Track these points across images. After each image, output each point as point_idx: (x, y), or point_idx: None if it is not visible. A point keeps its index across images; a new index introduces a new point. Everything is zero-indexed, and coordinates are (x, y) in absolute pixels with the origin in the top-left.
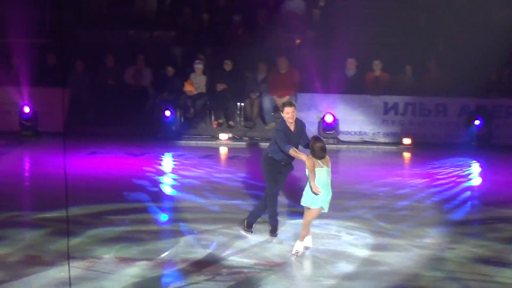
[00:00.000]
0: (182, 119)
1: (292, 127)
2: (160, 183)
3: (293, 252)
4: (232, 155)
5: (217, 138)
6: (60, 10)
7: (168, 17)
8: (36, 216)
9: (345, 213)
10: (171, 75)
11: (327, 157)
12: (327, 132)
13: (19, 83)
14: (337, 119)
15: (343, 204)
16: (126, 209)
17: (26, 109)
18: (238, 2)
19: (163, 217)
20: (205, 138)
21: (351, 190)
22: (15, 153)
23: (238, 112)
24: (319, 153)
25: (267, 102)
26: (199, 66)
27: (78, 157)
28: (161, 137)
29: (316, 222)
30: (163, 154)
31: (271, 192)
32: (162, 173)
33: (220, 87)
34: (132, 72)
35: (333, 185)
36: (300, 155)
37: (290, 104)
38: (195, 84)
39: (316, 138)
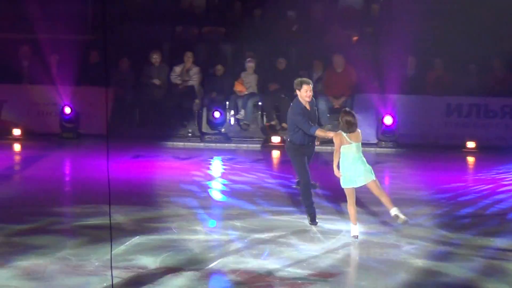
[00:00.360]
0: (232, 121)
1: (308, 106)
2: (209, 188)
3: (351, 235)
4: (285, 159)
5: (269, 141)
6: (104, 4)
7: (217, 12)
8: (78, 223)
9: None
10: (221, 74)
11: (358, 130)
12: (386, 135)
13: (60, 82)
14: (396, 121)
15: (402, 211)
16: (172, 216)
17: (67, 110)
18: None
19: (212, 224)
20: (257, 141)
21: (410, 196)
22: (55, 156)
23: None
24: (346, 127)
25: (322, 103)
26: (250, 65)
27: (122, 161)
28: (209, 140)
29: (373, 230)
30: (211, 158)
31: (303, 180)
32: (211, 178)
33: (273, 87)
34: (179, 70)
35: (391, 190)
36: (328, 133)
37: (307, 82)
38: (246, 83)
39: (346, 112)
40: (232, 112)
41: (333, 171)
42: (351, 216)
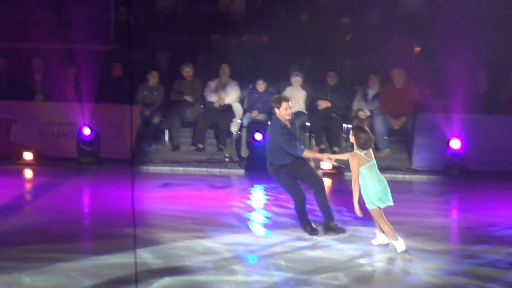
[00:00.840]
0: None
1: (288, 124)
2: (249, 221)
3: (400, 251)
4: (337, 188)
5: (319, 167)
6: (128, 9)
7: (259, 18)
8: (97, 261)
9: (473, 260)
10: (263, 90)
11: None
12: (453, 160)
13: (77, 99)
14: (465, 145)
15: (471, 249)
16: (207, 253)
17: (86, 131)
18: (345, 1)
19: (252, 261)
20: None
21: (482, 232)
22: (72, 184)
23: (344, 135)
24: (363, 143)
25: (379, 124)
26: (297, 79)
27: (149, 190)
28: (249, 166)
29: (436, 272)
30: (252, 186)
31: (298, 202)
32: (251, 209)
33: (323, 104)
34: (214, 86)
35: (460, 224)
36: (317, 155)
37: (286, 98)
38: (292, 100)
39: (359, 127)
40: None
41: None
42: (390, 234)
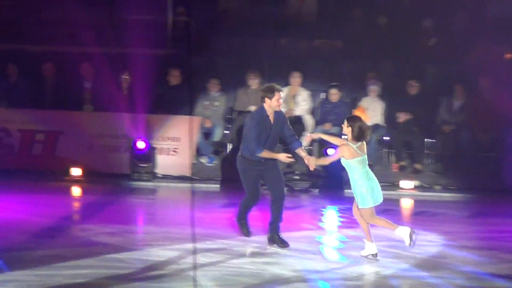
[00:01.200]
0: None
1: (272, 118)
2: (321, 245)
3: (364, 254)
4: (420, 210)
5: (399, 187)
6: (188, 11)
7: (332, 21)
8: None
9: None
10: (336, 100)
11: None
12: None
13: (131, 109)
14: None
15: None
16: (276, 281)
17: (140, 145)
18: (428, 2)
19: None
20: (382, 186)
21: None
22: (124, 203)
23: (427, 151)
24: (360, 135)
25: (465, 139)
26: (373, 88)
27: (209, 210)
28: (321, 184)
29: None
30: (324, 207)
31: (248, 201)
32: (323, 232)
33: (403, 117)
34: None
35: None
36: (275, 155)
37: (279, 88)
38: (369, 112)
39: (355, 118)
40: None
41: None
42: (388, 226)
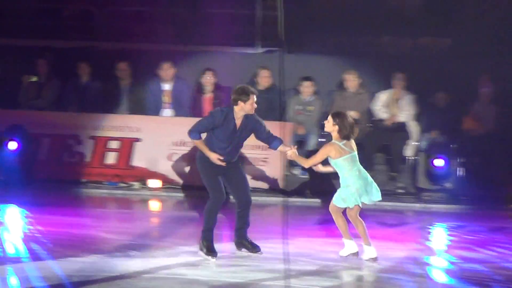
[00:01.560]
0: (461, 172)
1: (239, 122)
2: (428, 265)
3: (342, 254)
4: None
5: None
6: (278, 5)
7: (440, 16)
8: None
9: None
10: (443, 104)
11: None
12: None
13: None
14: None
15: None
16: None
17: None
18: None
19: None
20: (497, 203)
21: None
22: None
23: None
24: (348, 132)
25: None
26: (486, 91)
27: (303, 227)
28: (429, 199)
29: None
30: (432, 225)
31: (213, 202)
32: (430, 252)
33: None
34: (385, 99)
35: None
36: (208, 152)
37: (254, 91)
38: (482, 119)
39: (342, 113)
40: (461, 160)
41: None
42: (345, 233)
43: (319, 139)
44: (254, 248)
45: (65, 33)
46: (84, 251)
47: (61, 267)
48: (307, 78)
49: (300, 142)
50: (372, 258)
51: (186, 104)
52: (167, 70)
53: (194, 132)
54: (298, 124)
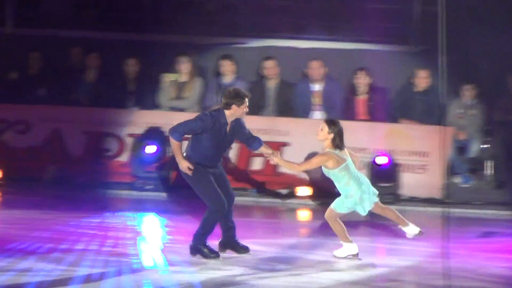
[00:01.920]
0: None
1: (228, 127)
2: None
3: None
4: None
5: None
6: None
7: None
8: None
9: None
10: None
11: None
12: None
13: (370, 117)
14: None
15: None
16: None
17: (382, 160)
18: None
19: None
20: None
21: None
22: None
23: None
24: (342, 139)
25: None
26: None
27: (464, 240)
28: None
29: None
30: None
31: (215, 209)
32: None
33: None
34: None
35: None
36: (181, 159)
37: (247, 94)
38: None
39: (334, 122)
40: None
41: None
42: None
43: (482, 146)
44: (244, 249)
45: (208, 29)
46: (226, 264)
47: (199, 280)
48: (469, 80)
49: (460, 149)
50: (416, 234)
51: (338, 106)
52: (317, 69)
53: (177, 133)
54: (459, 129)
